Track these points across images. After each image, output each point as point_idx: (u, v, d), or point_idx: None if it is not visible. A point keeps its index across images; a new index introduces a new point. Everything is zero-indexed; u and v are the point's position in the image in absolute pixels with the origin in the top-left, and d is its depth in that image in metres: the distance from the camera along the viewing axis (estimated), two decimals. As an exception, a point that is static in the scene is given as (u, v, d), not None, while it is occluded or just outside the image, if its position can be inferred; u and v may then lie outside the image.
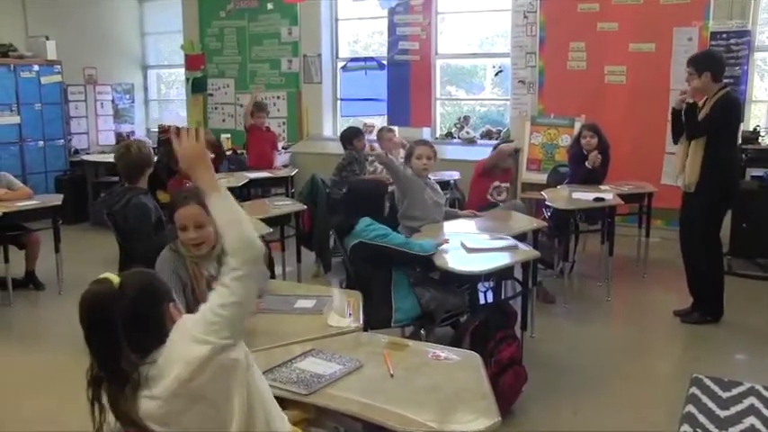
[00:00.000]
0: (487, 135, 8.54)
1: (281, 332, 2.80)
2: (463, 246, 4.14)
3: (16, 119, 8.94)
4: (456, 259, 3.91)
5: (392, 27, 8.82)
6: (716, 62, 5.07)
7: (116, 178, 9.15)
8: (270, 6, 9.59)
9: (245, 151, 8.60)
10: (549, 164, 7.59)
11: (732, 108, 5.05)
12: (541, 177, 7.38)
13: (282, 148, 9.19)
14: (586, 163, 6.25)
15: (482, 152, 7.78)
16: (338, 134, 9.47)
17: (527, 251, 4.09)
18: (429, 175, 5.11)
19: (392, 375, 2.39)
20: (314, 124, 9.55)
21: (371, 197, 4.17)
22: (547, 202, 5.72)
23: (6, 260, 6.15)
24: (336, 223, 4.02)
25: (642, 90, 7.41)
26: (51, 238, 6.30)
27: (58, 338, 5.33)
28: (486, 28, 8.89)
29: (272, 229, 4.96)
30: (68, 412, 4.08)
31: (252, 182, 7.34)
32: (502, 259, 3.89)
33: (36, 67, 9.13)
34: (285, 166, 8.79)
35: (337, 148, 8.86)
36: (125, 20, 10.85)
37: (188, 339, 1.89)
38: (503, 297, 4.37)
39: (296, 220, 5.80)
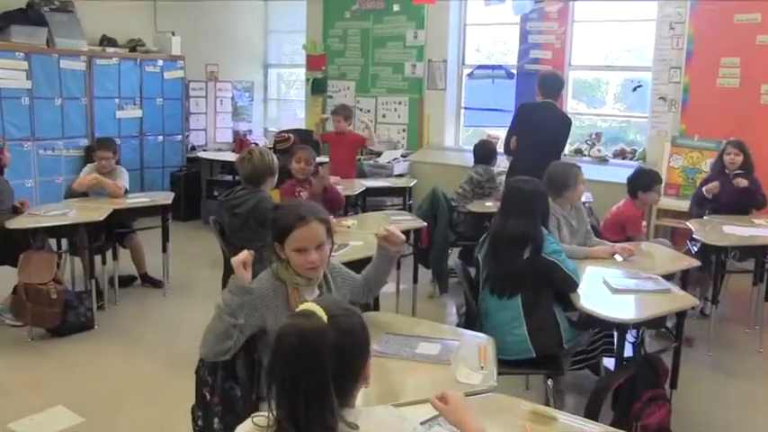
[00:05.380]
0: (621, 154, 7.92)
1: (400, 385, 2.39)
2: (606, 284, 3.65)
3: (138, 113, 8.94)
4: (600, 301, 3.42)
5: (524, 34, 8.32)
6: (543, 81, 6.05)
7: (230, 177, 9.07)
8: (396, 8, 9.23)
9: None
10: (690, 190, 6.92)
11: (517, 113, 6.19)
12: (680, 204, 6.74)
13: (401, 155, 8.83)
14: (704, 190, 5.85)
15: (615, 173, 7.24)
16: (460, 144, 9.12)
17: (684, 297, 3.55)
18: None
19: (536, 458, 1.94)
20: (435, 133, 9.14)
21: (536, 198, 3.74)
22: (694, 236, 5.11)
23: (115, 257, 6.03)
24: (520, 230, 3.58)
25: (806, 114, 6.66)
26: (160, 237, 6.15)
27: (157, 343, 5.18)
28: (625, 39, 8.26)
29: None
30: (167, 425, 3.87)
31: (367, 190, 6.99)
32: (656, 305, 3.36)
33: (160, 62, 9.10)
34: (402, 176, 8.43)
35: (459, 159, 8.51)
36: (249, 17, 10.73)
37: None
38: (649, 349, 3.82)
39: (415, 236, 5.40)
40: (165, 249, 6.16)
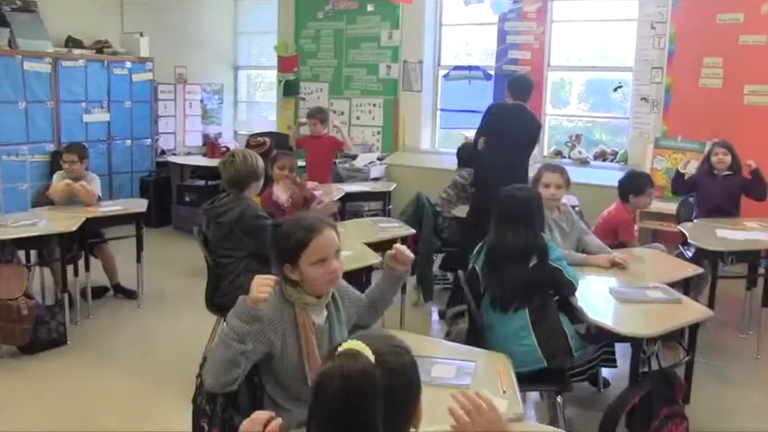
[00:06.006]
0: (601, 156, 7.83)
1: (424, 413, 2.19)
2: (613, 295, 3.51)
3: (106, 116, 8.65)
4: (609, 313, 3.27)
5: (502, 35, 8.19)
6: (513, 84, 6.02)
7: (202, 182, 8.83)
8: (370, 8, 9.04)
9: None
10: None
11: (486, 113, 5.98)
12: (664, 206, 6.65)
13: (377, 158, 8.65)
14: (678, 167, 6.02)
15: (598, 175, 7.15)
16: (436, 147, 8.97)
17: (697, 308, 3.42)
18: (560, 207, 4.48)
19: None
20: (411, 135, 8.96)
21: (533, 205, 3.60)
22: (690, 241, 4.99)
23: (87, 268, 5.78)
24: (521, 241, 3.45)
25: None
26: (134, 246, 5.91)
27: (134, 359, 4.96)
28: (605, 39, 8.17)
29: (380, 258, 4.39)
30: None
31: (346, 195, 6.80)
32: (670, 318, 3.22)
33: (128, 64, 8.82)
34: (378, 179, 8.25)
35: (435, 162, 8.36)
36: (218, 18, 10.45)
37: None
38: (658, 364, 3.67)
39: (403, 243, 5.21)
40: (139, 259, 5.91)
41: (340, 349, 1.49)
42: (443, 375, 2.48)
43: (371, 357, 1.44)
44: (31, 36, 7.98)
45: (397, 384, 1.46)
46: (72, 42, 8.53)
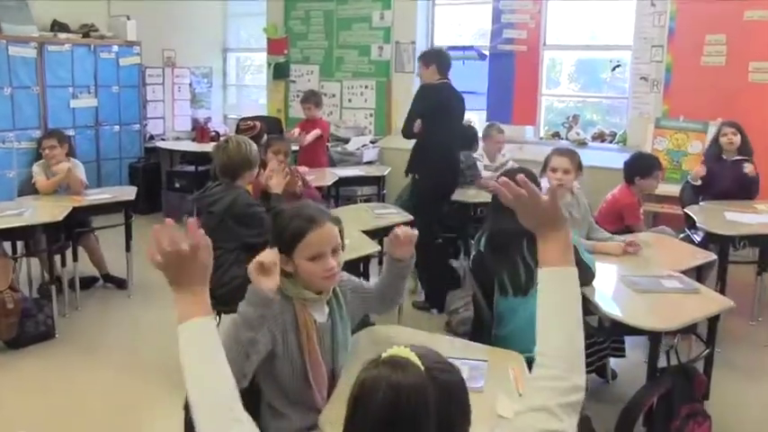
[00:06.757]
0: (599, 137, 7.67)
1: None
2: (626, 284, 3.35)
3: (93, 101, 8.43)
4: (624, 304, 3.12)
5: (496, 14, 7.99)
6: (439, 60, 5.59)
7: (191, 167, 8.63)
8: (362, -12, 8.86)
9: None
10: (675, 173, 6.70)
11: (425, 94, 5.58)
12: (666, 188, 6.44)
13: (370, 142, 8.48)
14: (689, 178, 5.79)
15: (596, 157, 6.99)
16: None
17: (717, 299, 3.27)
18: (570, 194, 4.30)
19: None
20: (404, 117, 8.73)
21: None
22: (699, 225, 4.84)
23: (75, 258, 5.60)
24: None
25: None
26: (122, 234, 5.77)
27: (125, 352, 4.79)
28: (602, 17, 7.97)
29: (379, 247, 4.24)
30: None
31: (340, 180, 6.63)
32: (689, 309, 3.07)
33: (115, 48, 8.59)
34: (372, 163, 8.09)
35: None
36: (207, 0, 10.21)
37: None
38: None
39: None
40: (128, 248, 5.75)
41: (384, 355, 1.28)
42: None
43: (422, 368, 1.25)
44: (16, 21, 7.76)
45: (450, 405, 1.26)
46: (58, 26, 8.29)
